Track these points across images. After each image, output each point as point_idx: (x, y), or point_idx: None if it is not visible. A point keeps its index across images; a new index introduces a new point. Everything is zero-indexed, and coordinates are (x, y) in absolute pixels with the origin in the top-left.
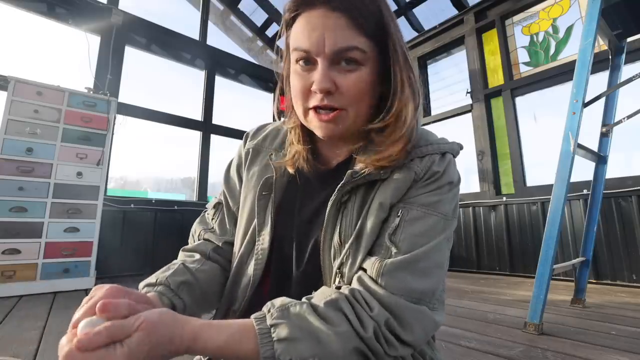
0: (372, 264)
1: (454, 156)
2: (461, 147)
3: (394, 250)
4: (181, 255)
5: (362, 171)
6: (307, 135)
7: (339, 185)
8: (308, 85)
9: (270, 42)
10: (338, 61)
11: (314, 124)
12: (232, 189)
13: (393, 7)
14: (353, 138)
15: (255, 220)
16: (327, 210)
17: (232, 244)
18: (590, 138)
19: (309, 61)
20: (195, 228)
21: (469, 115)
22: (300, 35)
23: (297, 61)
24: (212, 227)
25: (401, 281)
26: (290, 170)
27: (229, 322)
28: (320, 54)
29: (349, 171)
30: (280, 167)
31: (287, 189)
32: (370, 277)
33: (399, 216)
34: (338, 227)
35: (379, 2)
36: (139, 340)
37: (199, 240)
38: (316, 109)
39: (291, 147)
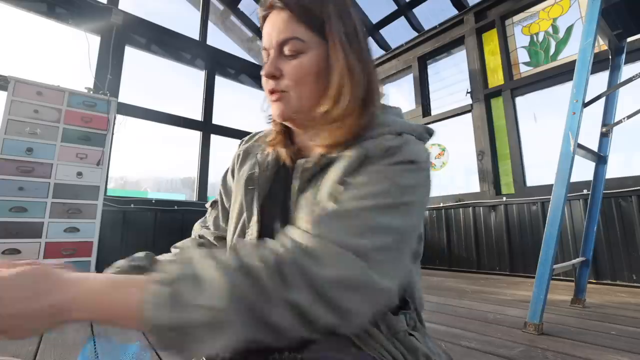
0: (305, 220)
1: (420, 139)
2: (429, 133)
3: (331, 204)
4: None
5: (313, 158)
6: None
7: (295, 175)
8: None
9: None
10: (283, 52)
11: (271, 105)
12: (227, 190)
13: (393, 7)
14: (318, 129)
15: (245, 213)
16: (292, 201)
17: (223, 238)
18: (590, 138)
19: (268, 56)
20: (195, 227)
21: (469, 115)
22: (263, 36)
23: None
24: (207, 225)
25: (332, 230)
26: (269, 150)
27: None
28: (271, 48)
29: (300, 160)
30: (264, 162)
31: (271, 182)
32: (299, 228)
33: (346, 181)
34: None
35: (325, 4)
36: (20, 268)
37: (197, 236)
38: (268, 92)
39: (273, 130)
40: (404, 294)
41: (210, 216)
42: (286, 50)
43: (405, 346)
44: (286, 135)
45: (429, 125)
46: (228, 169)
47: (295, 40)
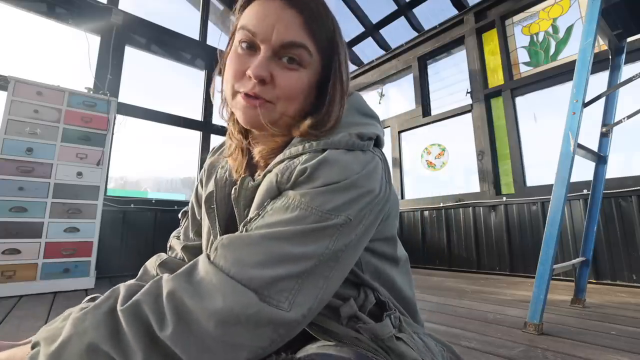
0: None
1: (351, 148)
2: (363, 137)
3: (239, 231)
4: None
5: (247, 182)
6: (246, 129)
7: (233, 199)
8: (244, 68)
9: None
10: (280, 56)
11: (239, 107)
12: (199, 201)
13: (393, 7)
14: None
15: (211, 232)
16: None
17: (192, 247)
18: (590, 138)
19: (252, 46)
20: (170, 237)
21: (469, 115)
22: (251, 17)
23: (240, 42)
24: (179, 235)
25: (228, 259)
26: (231, 163)
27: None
28: (266, 42)
29: (243, 178)
30: (221, 180)
31: (229, 201)
32: (207, 254)
33: (262, 209)
34: None
35: (334, 23)
36: None
37: (169, 247)
38: (246, 95)
39: (232, 139)
40: (380, 297)
41: (181, 226)
42: (287, 55)
43: (393, 353)
44: (245, 148)
45: (431, 126)
46: (200, 179)
47: (304, 50)
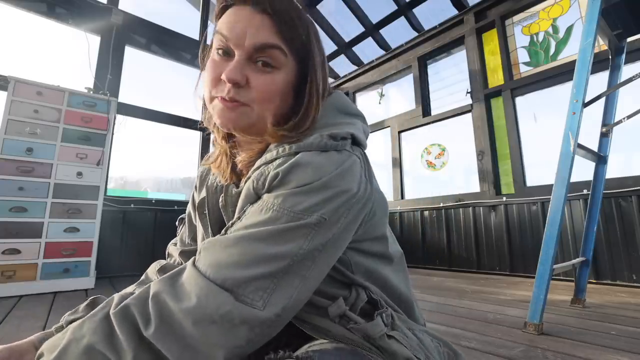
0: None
1: (325, 149)
2: (336, 137)
3: (220, 234)
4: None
5: (231, 189)
6: (230, 135)
7: (221, 207)
8: (220, 73)
9: None
10: (255, 59)
11: (216, 110)
12: (194, 208)
13: (393, 7)
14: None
15: (205, 238)
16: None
17: (188, 252)
18: (590, 138)
19: (227, 52)
20: (169, 244)
21: (469, 115)
22: (225, 24)
23: (216, 49)
24: (175, 241)
25: (206, 261)
26: (214, 170)
27: None
28: (239, 47)
29: (228, 186)
30: (213, 186)
31: (219, 206)
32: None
33: (244, 210)
34: None
35: (308, 26)
36: None
37: (167, 255)
38: (223, 99)
39: (215, 145)
40: (372, 295)
41: (179, 233)
42: (260, 58)
43: (385, 351)
44: (229, 153)
45: (430, 126)
46: (195, 186)
47: (277, 50)
